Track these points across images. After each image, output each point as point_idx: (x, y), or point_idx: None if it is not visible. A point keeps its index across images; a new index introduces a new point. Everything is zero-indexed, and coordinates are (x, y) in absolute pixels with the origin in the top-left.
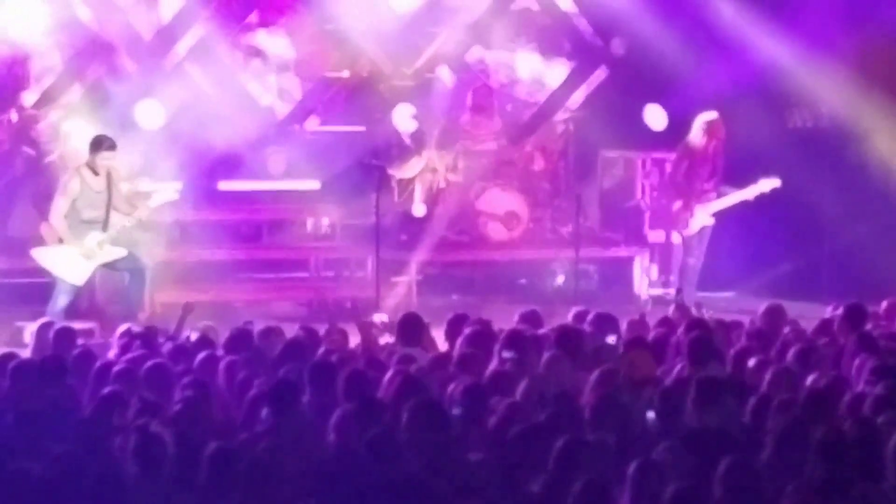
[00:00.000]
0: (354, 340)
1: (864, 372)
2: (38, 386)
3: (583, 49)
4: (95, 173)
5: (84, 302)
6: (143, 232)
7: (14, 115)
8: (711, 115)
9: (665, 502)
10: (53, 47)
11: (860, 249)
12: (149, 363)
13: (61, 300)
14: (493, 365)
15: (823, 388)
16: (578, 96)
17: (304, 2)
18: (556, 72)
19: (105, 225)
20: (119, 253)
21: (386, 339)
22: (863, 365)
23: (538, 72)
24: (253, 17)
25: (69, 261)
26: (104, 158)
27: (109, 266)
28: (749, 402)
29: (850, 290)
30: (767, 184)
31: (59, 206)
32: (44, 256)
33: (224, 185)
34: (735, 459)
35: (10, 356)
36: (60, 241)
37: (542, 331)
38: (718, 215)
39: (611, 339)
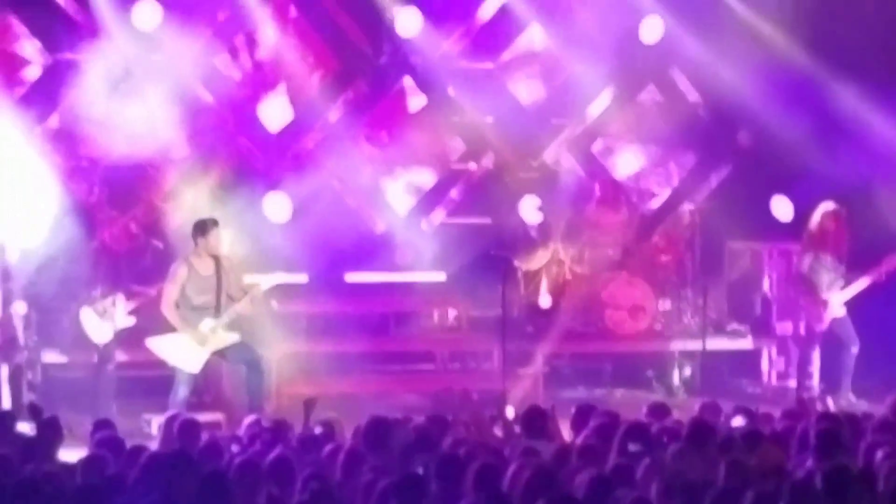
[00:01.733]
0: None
1: None
2: (168, 478)
3: (709, 140)
4: (203, 258)
5: (210, 393)
6: (260, 322)
7: (145, 210)
8: (829, 205)
9: None
10: (182, 141)
11: None
12: (272, 455)
13: (181, 390)
14: (617, 456)
15: None
16: (704, 188)
17: (432, 94)
18: (682, 163)
19: (217, 310)
20: (233, 339)
21: (506, 430)
22: None
23: (663, 163)
24: (379, 111)
25: (183, 349)
26: (210, 241)
27: (224, 356)
28: (880, 496)
29: None
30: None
31: (169, 294)
32: (159, 346)
33: (351, 277)
34: None
35: (139, 448)
36: (175, 329)
37: (668, 422)
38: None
39: (737, 423)
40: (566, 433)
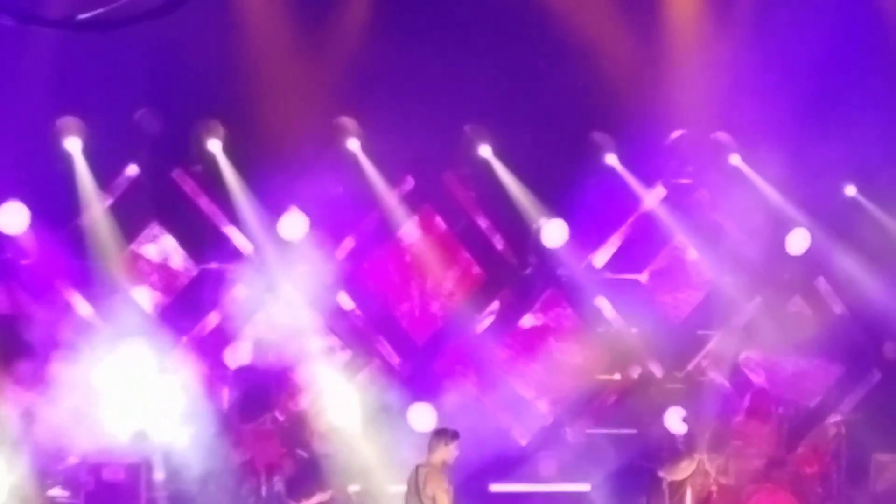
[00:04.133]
0: None
1: None
2: None
3: (855, 352)
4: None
5: None
6: None
7: (280, 416)
8: None
9: None
10: (321, 350)
11: None
12: None
13: None
14: None
15: None
16: (851, 399)
17: (576, 306)
18: (829, 374)
19: None
20: None
21: None
22: None
23: (810, 375)
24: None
25: None
26: (451, 451)
27: None
28: None
29: None
30: None
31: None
32: None
33: (495, 487)
34: None
35: None
36: None
37: None
38: None
39: None
40: None
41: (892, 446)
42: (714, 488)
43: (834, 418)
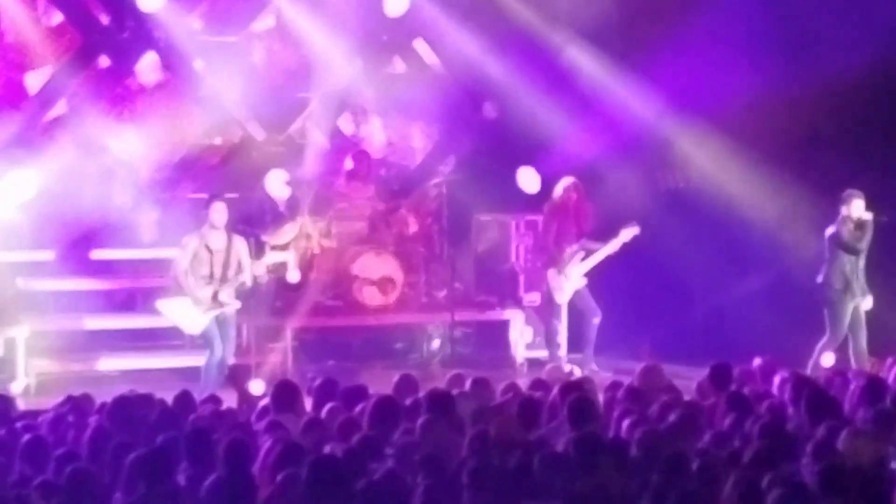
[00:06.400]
0: (229, 404)
1: (738, 431)
2: None
3: (455, 113)
4: (213, 231)
5: None
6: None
7: None
8: (570, 179)
9: None
10: None
11: (732, 310)
12: (27, 436)
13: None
14: (365, 430)
15: (700, 448)
16: (451, 160)
17: (175, 70)
18: (429, 136)
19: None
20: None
21: (246, 404)
22: (736, 423)
23: (410, 136)
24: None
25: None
26: (211, 215)
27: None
28: (628, 462)
29: (723, 351)
30: (628, 233)
31: (180, 262)
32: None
33: (97, 254)
34: None
35: None
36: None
37: (416, 396)
38: (593, 276)
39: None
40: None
41: (493, 206)
42: (317, 251)
43: (435, 179)
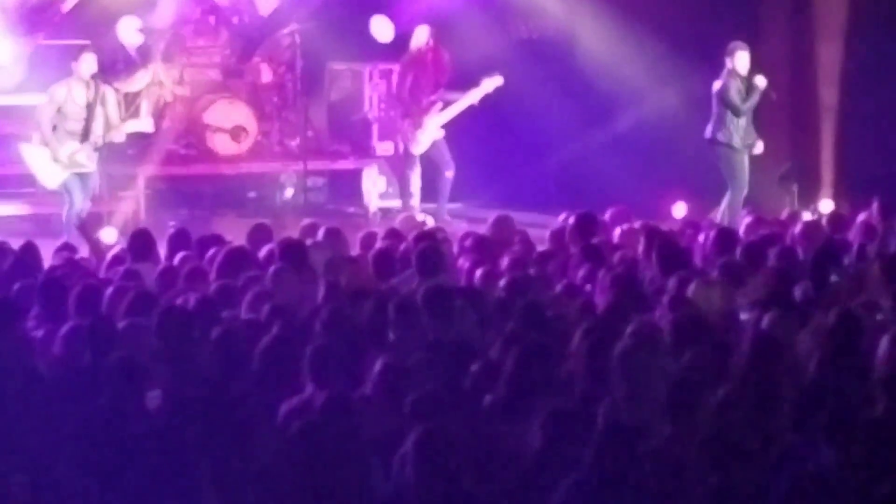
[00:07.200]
0: (83, 253)
1: (590, 281)
2: None
3: None
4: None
5: None
6: None
7: None
8: (425, 27)
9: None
10: None
11: (586, 159)
12: None
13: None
14: (219, 280)
15: (552, 297)
16: (306, 8)
17: None
18: None
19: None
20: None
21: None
22: (589, 275)
23: None
24: None
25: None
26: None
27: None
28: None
29: (577, 201)
30: (490, 83)
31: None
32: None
33: None
34: (481, 366)
35: None
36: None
37: (268, 246)
38: (448, 127)
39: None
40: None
41: (346, 55)
42: (170, 99)
43: (288, 28)
